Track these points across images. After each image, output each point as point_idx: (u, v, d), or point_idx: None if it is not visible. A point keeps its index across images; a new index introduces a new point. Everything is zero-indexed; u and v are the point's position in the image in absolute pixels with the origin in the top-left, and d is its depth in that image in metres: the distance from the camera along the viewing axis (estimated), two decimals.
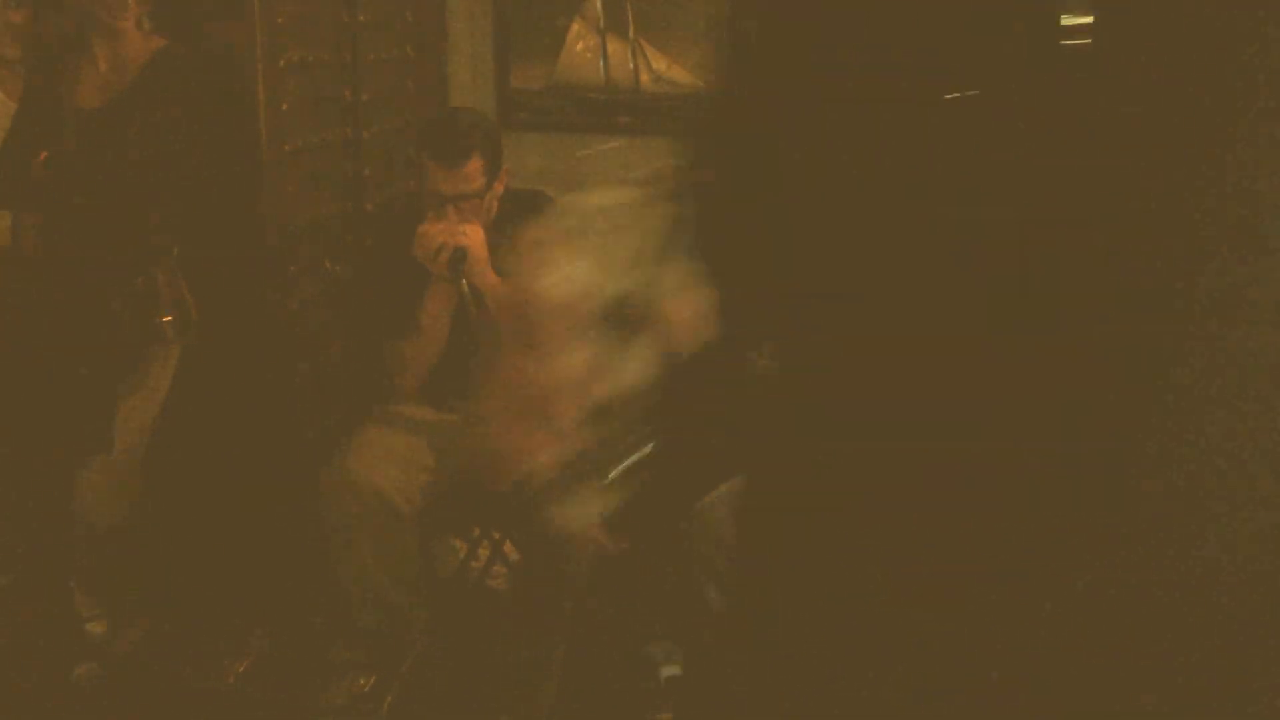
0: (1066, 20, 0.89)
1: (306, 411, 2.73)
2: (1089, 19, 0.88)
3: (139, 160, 2.25)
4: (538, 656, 2.24)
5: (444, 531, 2.85)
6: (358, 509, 2.24)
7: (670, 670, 2.48)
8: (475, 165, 2.23)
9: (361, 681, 1.93)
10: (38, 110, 2.33)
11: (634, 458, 1.24)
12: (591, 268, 1.10)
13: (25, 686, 2.40)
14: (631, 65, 3.17)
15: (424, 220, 2.26)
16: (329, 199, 2.76)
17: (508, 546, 2.65)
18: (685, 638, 2.48)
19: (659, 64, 3.15)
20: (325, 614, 2.29)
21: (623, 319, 1.14)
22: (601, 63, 3.19)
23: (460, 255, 2.19)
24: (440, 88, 3.21)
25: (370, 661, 1.97)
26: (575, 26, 3.16)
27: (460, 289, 2.22)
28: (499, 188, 2.34)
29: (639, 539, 2.79)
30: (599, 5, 3.13)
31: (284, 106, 2.51)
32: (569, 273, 1.11)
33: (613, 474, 1.29)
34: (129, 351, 2.31)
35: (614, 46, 3.17)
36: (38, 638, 2.57)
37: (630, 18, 3.13)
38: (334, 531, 2.25)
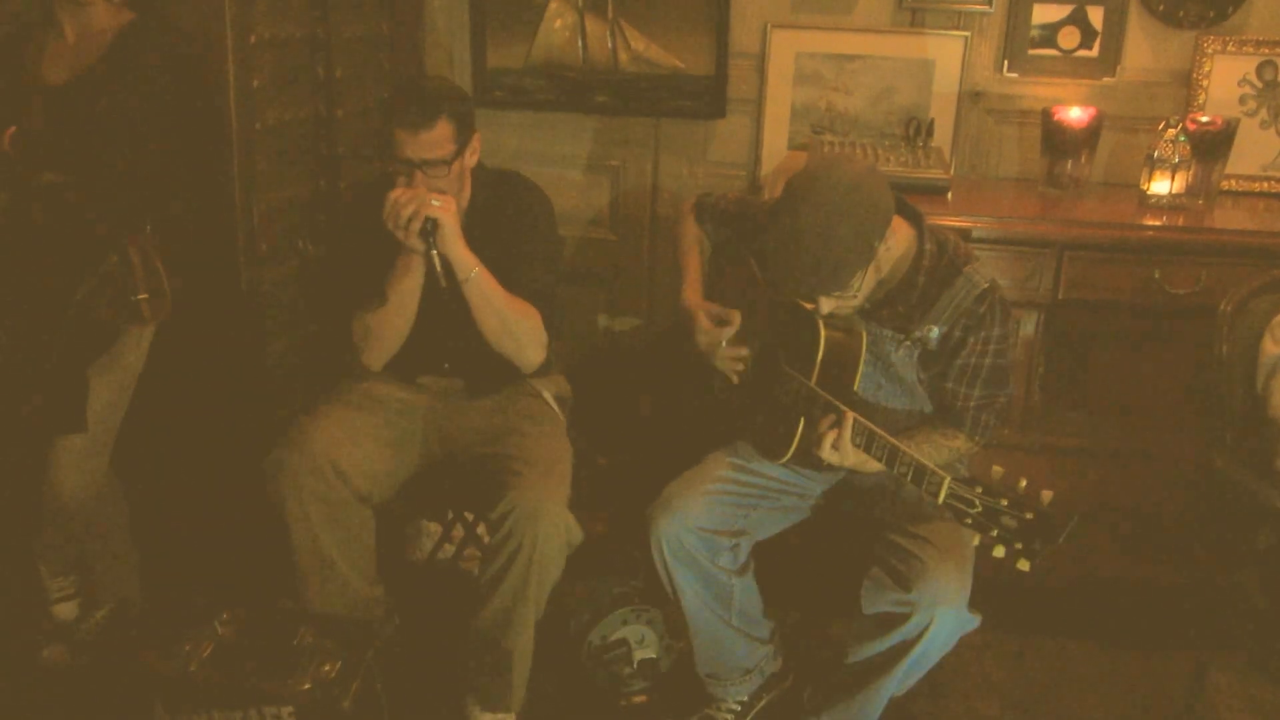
0: None
1: (278, 391, 2.71)
2: None
3: (108, 136, 2.21)
4: (509, 639, 2.23)
5: (417, 514, 2.84)
6: (315, 486, 2.17)
7: (644, 653, 2.49)
8: (443, 130, 2.15)
9: (327, 667, 1.90)
10: (3, 86, 2.28)
11: None
12: None
13: None
14: (610, 45, 3.14)
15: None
16: (301, 177, 2.73)
17: (481, 528, 2.64)
18: (658, 619, 2.49)
19: (638, 44, 3.13)
20: (292, 598, 2.26)
21: None
22: (580, 42, 3.16)
23: (431, 225, 2.12)
24: (416, 65, 3.18)
25: (336, 646, 1.95)
26: (553, 5, 3.13)
27: (431, 260, 2.16)
28: (471, 157, 2.28)
29: (611, 522, 2.80)
30: None
31: (255, 83, 2.47)
32: None
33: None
34: (103, 331, 2.27)
35: (592, 26, 3.14)
36: (5, 619, 2.55)
37: None
38: (289, 511, 2.19)
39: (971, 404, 2.08)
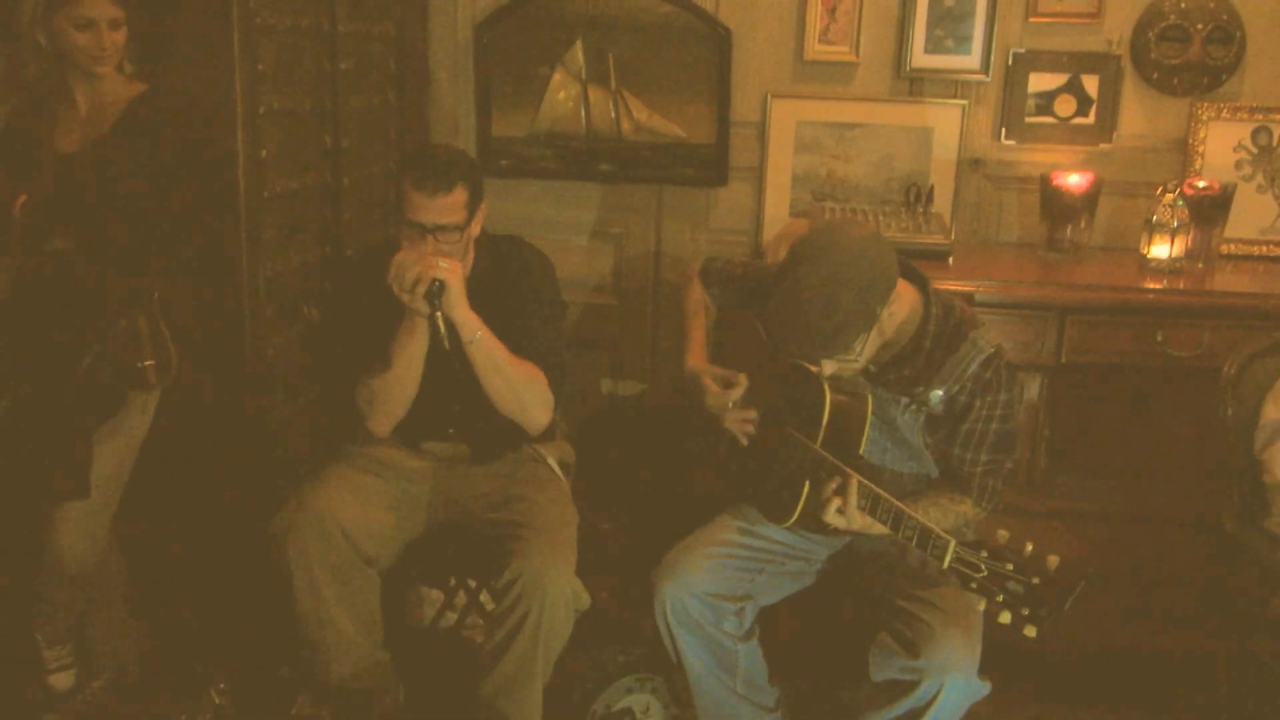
0: None
1: (282, 458, 2.70)
2: None
3: (118, 204, 2.24)
4: (515, 707, 2.19)
5: (419, 581, 2.81)
6: (321, 548, 2.17)
7: None
8: (459, 196, 2.18)
9: None
10: (16, 153, 2.32)
11: None
12: None
13: None
14: (613, 114, 3.19)
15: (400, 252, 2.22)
16: (308, 245, 2.75)
17: (484, 596, 2.61)
18: (663, 688, 2.45)
19: (640, 113, 3.18)
20: (290, 666, 2.22)
21: None
22: (583, 112, 3.21)
23: (438, 288, 2.13)
24: (422, 135, 3.23)
25: (334, 716, 1.91)
26: (557, 75, 3.19)
27: (435, 323, 2.16)
28: (477, 227, 2.31)
29: (614, 588, 2.76)
30: (580, 55, 3.16)
31: (264, 153, 2.50)
32: None
33: None
34: (109, 397, 2.27)
35: (595, 96, 3.19)
36: (1, 689, 2.51)
37: (612, 67, 3.15)
38: (295, 571, 2.18)
39: (978, 469, 2.08)
